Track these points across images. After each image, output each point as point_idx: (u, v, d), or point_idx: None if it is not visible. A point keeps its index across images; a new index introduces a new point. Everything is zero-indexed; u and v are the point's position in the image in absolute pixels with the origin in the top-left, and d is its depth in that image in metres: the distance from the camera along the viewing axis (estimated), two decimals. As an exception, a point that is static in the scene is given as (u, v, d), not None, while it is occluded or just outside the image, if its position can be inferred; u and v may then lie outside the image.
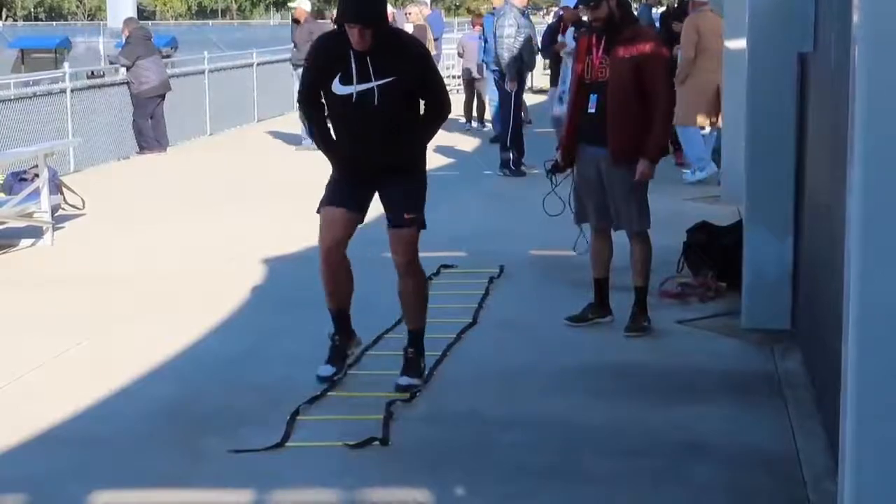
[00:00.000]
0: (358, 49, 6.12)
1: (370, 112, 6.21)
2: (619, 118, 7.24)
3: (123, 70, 17.30)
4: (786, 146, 7.34)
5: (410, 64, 6.26)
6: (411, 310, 6.57)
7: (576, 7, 7.98)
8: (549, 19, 23.85)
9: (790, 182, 7.34)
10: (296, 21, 17.68)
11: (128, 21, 18.35)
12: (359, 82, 6.17)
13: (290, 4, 18.26)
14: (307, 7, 17.62)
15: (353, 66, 6.16)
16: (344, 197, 6.39)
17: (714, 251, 8.66)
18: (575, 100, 7.51)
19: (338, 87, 6.23)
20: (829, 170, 5.77)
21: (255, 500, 5.11)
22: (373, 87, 6.16)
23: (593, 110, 7.33)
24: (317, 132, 6.51)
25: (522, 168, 14.41)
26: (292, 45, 17.99)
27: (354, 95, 6.19)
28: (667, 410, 6.13)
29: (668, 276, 8.60)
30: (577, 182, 7.60)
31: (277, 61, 22.62)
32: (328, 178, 6.55)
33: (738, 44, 11.37)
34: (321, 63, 6.35)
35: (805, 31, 6.89)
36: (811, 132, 6.83)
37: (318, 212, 6.43)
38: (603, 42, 7.31)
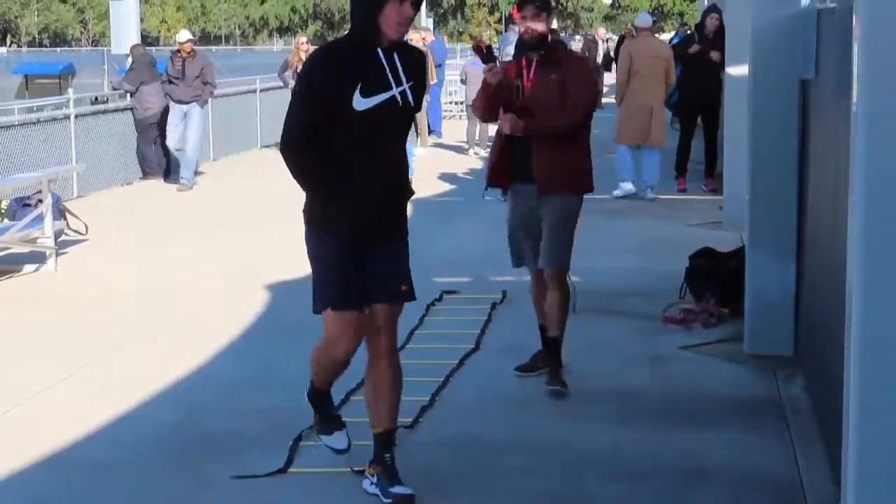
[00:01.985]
0: (397, 37, 5.06)
1: (391, 125, 5.13)
2: (544, 145, 6.74)
3: (128, 96, 17.38)
4: (788, 172, 7.36)
5: (421, 70, 5.25)
6: (392, 405, 5.36)
7: (519, 8, 6.84)
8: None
9: (792, 207, 7.37)
10: (179, 54, 16.65)
11: (133, 47, 18.43)
12: (396, 86, 5.06)
13: (179, 39, 17.05)
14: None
15: (386, 66, 5.05)
16: (354, 289, 5.16)
17: (717, 277, 8.67)
18: (503, 126, 6.85)
19: (359, 102, 4.97)
20: (831, 195, 5.79)
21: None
22: (404, 89, 5.08)
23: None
24: (322, 186, 5.17)
25: None
26: (182, 78, 16.47)
27: (382, 104, 5.01)
28: (670, 435, 6.14)
29: (671, 301, 8.63)
30: (513, 223, 7.02)
31: (281, 87, 22.67)
32: (319, 251, 5.22)
33: (740, 70, 11.43)
34: (334, 80, 4.98)
35: (807, 58, 6.93)
36: (813, 157, 6.86)
37: (325, 310, 5.15)
38: (534, 66, 6.79)
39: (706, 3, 24.44)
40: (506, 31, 14.95)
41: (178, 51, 16.69)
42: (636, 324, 8.33)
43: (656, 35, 17.10)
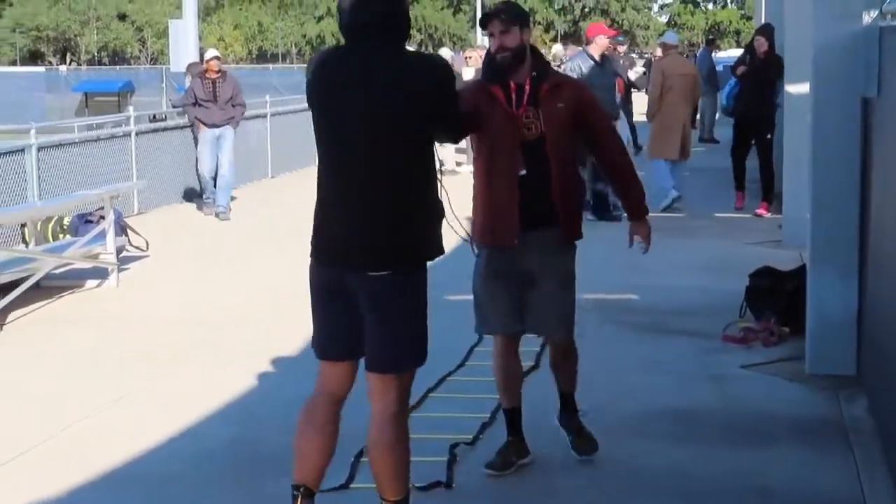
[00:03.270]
0: None
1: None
2: (566, 185, 5.68)
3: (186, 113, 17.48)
4: (850, 190, 7.31)
5: None
6: (389, 474, 4.73)
7: (483, 24, 5.74)
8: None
9: (855, 226, 7.30)
10: (206, 75, 15.58)
11: (191, 66, 18.54)
12: None
13: (206, 56, 15.74)
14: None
15: None
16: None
17: (777, 295, 8.62)
18: (505, 167, 5.60)
19: None
20: (894, 212, 5.74)
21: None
22: None
23: (524, 172, 5.59)
24: None
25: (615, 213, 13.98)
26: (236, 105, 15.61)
27: None
28: (732, 455, 6.10)
29: (731, 320, 8.59)
30: (493, 280, 5.74)
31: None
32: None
33: (800, 88, 11.36)
34: None
35: (869, 76, 6.88)
36: (876, 175, 6.80)
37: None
38: (528, 91, 5.61)
39: (763, 20, 24.34)
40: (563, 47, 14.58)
41: (206, 71, 15.58)
42: (696, 342, 8.29)
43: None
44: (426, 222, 4.64)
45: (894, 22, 6.51)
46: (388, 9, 4.60)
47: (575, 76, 13.06)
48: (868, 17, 7.18)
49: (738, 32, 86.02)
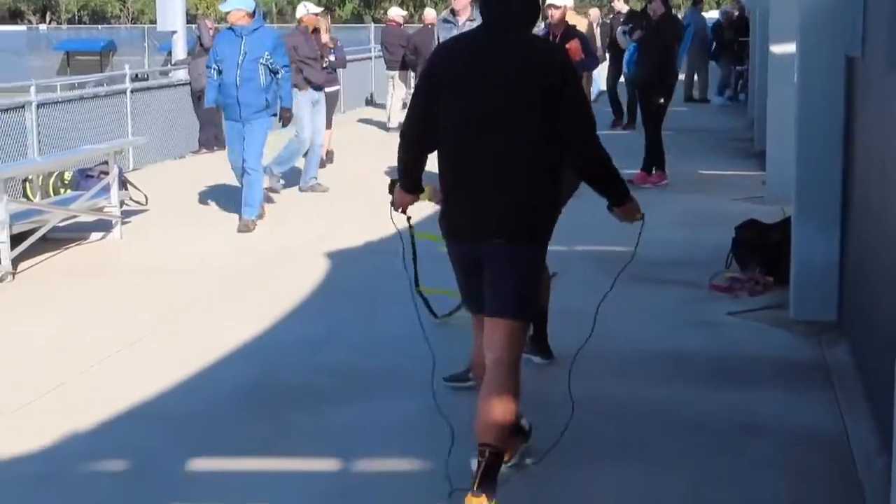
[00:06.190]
0: None
1: None
2: None
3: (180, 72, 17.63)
4: (834, 145, 7.61)
5: None
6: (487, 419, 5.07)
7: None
8: None
9: (838, 179, 7.61)
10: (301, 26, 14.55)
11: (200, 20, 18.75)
12: None
13: (312, 10, 14.49)
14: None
15: None
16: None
17: (762, 247, 8.93)
18: None
19: None
20: (878, 168, 6.05)
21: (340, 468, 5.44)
22: None
23: None
24: None
25: None
26: None
27: None
28: (721, 394, 6.43)
29: (717, 270, 8.91)
30: None
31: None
32: None
33: (784, 48, 11.68)
34: None
35: (854, 35, 7.17)
36: (858, 132, 7.11)
37: None
38: None
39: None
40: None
41: (299, 24, 14.46)
42: (685, 291, 8.61)
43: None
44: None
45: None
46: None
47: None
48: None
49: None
